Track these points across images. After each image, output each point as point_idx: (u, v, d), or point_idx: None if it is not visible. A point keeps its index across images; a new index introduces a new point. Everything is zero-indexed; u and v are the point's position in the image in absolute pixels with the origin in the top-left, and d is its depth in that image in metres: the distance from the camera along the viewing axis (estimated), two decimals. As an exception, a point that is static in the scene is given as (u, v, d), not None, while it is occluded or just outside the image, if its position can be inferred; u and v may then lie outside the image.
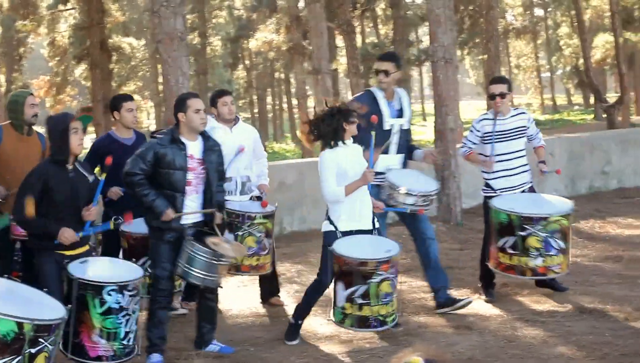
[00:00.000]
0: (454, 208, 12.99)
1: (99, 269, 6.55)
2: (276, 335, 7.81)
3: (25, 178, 6.50)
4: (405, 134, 8.45)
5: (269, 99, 60.99)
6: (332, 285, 7.28)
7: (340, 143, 7.28)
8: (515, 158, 8.71)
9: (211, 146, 7.23)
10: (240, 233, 8.10)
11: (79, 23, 33.48)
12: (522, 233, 8.05)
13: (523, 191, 8.76)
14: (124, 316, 6.34)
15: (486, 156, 8.67)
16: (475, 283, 9.31)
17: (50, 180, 6.41)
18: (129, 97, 8.80)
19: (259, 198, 8.51)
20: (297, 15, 27.98)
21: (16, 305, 5.23)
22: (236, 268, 8.17)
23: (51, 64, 41.06)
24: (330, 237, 7.28)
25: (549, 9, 64.56)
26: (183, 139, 7.06)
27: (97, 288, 6.26)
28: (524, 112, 8.94)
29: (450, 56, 13.09)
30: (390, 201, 7.99)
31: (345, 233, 7.27)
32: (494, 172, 8.68)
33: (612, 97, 42.39)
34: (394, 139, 8.30)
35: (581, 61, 33.58)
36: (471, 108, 69.24)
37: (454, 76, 13.45)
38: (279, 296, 9.05)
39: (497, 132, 8.63)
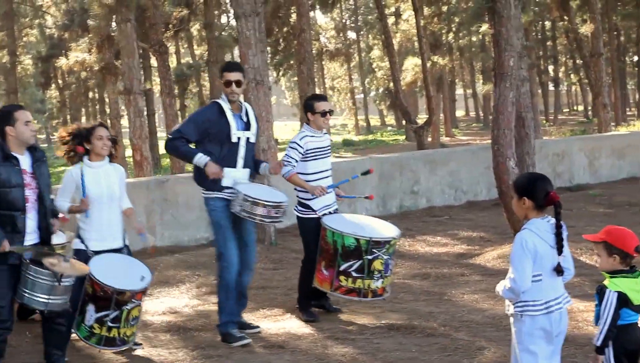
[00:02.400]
0: (267, 228, 13.03)
1: None
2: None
3: None
4: (252, 147, 8.34)
5: (83, 119, 59.69)
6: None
7: (86, 161, 7.49)
8: (329, 176, 8.88)
9: (40, 157, 6.85)
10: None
11: None
12: (369, 257, 8.19)
13: (335, 210, 8.91)
14: None
15: (305, 173, 8.70)
16: (288, 302, 9.38)
17: None
18: None
19: None
20: (108, 35, 27.51)
21: None
22: None
23: None
24: (80, 256, 7.32)
25: (362, 32, 66.07)
26: (15, 154, 6.65)
27: None
28: (326, 132, 9.09)
29: (261, 77, 13.13)
30: (243, 213, 7.87)
31: (97, 252, 7.36)
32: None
33: (423, 118, 43.71)
34: (241, 153, 8.13)
35: (393, 83, 34.47)
36: (288, 129, 69.88)
37: (266, 98, 13.49)
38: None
39: (319, 148, 8.78)
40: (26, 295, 6.51)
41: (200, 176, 8.11)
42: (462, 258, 11.84)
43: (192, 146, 8.15)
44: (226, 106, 8.14)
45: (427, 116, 32.92)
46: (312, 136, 8.77)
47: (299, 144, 8.69)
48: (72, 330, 7.37)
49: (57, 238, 8.16)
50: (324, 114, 8.78)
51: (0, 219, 6.53)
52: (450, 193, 17.46)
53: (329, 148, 8.96)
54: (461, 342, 7.63)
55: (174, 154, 8.44)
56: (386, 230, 8.56)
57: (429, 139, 34.59)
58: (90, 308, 7.18)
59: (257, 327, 8.43)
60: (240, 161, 8.14)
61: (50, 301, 6.55)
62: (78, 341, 7.66)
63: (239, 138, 8.12)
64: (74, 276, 6.75)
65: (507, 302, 5.34)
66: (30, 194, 6.68)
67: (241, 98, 8.39)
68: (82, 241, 7.35)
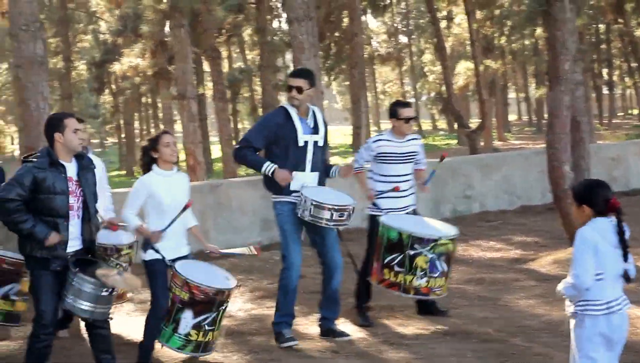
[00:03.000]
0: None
1: None
2: None
3: None
4: (321, 151, 8.29)
5: (136, 123, 60.22)
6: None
7: (156, 168, 7.37)
8: (404, 181, 8.87)
9: (86, 165, 6.84)
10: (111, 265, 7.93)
11: None
12: (411, 252, 8.18)
13: (407, 213, 8.94)
14: None
15: (378, 174, 8.82)
16: (342, 307, 9.35)
17: None
18: None
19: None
20: (162, 40, 27.78)
21: None
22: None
23: None
24: (157, 265, 7.26)
25: (413, 36, 65.92)
26: (62, 161, 6.65)
27: None
28: (417, 138, 9.12)
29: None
30: (309, 217, 7.86)
31: (172, 261, 7.29)
32: (383, 191, 8.76)
33: (474, 122, 43.46)
34: (309, 156, 8.13)
35: (444, 87, 34.35)
36: (338, 133, 69.83)
37: (319, 102, 13.51)
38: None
39: (395, 153, 8.81)
40: (70, 301, 6.47)
41: (269, 181, 8.15)
42: (516, 263, 11.75)
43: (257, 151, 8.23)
44: (292, 111, 8.17)
45: (479, 120, 32.75)
46: (388, 141, 8.83)
47: (370, 147, 8.86)
48: (162, 343, 7.36)
49: (126, 237, 8.29)
50: (407, 120, 8.83)
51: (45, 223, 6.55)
52: (503, 197, 17.33)
53: (411, 154, 8.93)
54: (517, 347, 7.55)
55: (242, 163, 8.53)
56: (437, 230, 8.50)
57: (482, 143, 34.40)
58: (187, 315, 7.15)
59: (348, 334, 8.34)
60: (308, 165, 8.15)
61: (95, 309, 6.50)
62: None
63: (306, 142, 8.13)
64: (127, 290, 6.77)
65: (567, 302, 5.28)
66: (74, 201, 6.69)
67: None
68: (157, 251, 7.25)
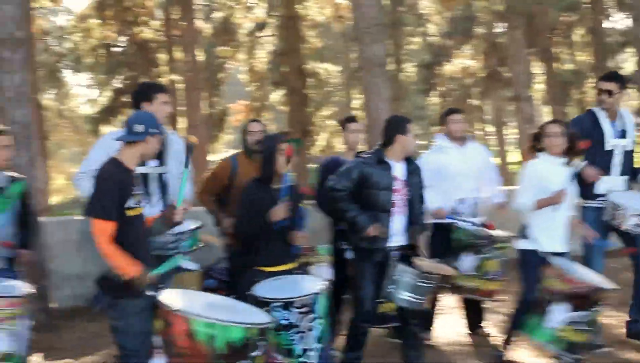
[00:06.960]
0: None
1: (282, 286, 6.46)
2: None
3: (240, 197, 6.77)
4: (629, 155, 8.21)
5: (461, 125, 60.37)
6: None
7: (545, 154, 7.29)
8: None
9: (414, 169, 7.21)
10: (486, 256, 8.04)
11: (277, 49, 34.10)
12: None
13: None
14: (296, 333, 6.21)
15: None
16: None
17: (256, 199, 6.62)
18: (351, 119, 8.75)
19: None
20: (493, 42, 27.75)
21: (231, 314, 5.42)
22: (471, 291, 8.13)
23: (248, 89, 41.71)
24: (530, 256, 7.22)
25: None
26: (389, 161, 7.08)
27: (263, 305, 6.15)
28: None
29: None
30: (614, 223, 7.76)
31: (547, 254, 7.13)
32: None
33: None
34: (617, 160, 8.10)
35: None
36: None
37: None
38: (482, 326, 8.80)
39: None
40: (392, 291, 6.73)
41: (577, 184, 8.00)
42: None
43: None
44: (601, 114, 8.17)
45: None
46: None
47: None
48: (527, 335, 7.15)
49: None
50: None
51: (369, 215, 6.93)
52: None
53: None
54: None
55: None
56: None
57: None
58: (559, 309, 6.80)
59: None
60: (614, 169, 8.12)
61: (413, 299, 6.72)
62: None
63: (614, 146, 8.10)
64: (437, 277, 6.87)
65: None
66: (398, 199, 7.05)
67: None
68: (533, 241, 7.25)
